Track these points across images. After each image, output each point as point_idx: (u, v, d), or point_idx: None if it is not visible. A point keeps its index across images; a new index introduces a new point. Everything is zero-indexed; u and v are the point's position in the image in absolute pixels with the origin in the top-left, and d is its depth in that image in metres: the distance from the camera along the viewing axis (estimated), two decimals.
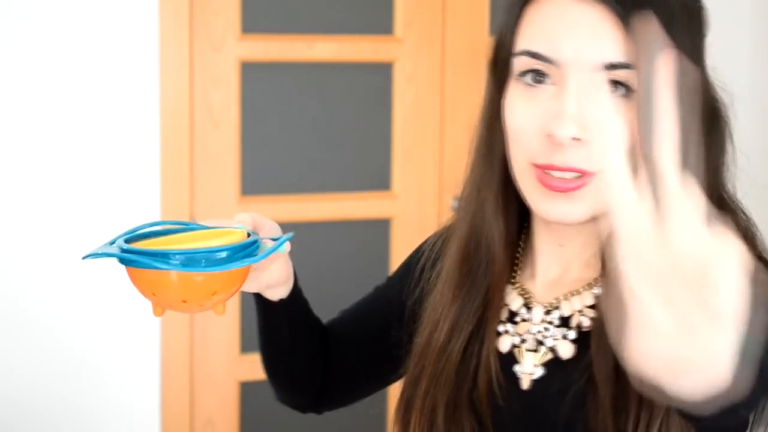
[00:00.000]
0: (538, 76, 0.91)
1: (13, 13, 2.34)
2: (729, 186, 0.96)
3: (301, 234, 2.63)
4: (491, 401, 0.97)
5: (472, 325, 1.00)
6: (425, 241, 1.17)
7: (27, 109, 2.37)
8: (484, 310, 1.01)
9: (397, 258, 2.71)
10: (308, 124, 2.66)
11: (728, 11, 2.75)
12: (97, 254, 0.89)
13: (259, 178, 2.62)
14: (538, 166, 0.91)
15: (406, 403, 1.04)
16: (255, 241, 0.93)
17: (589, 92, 0.88)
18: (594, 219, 0.92)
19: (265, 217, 1.04)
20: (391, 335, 1.12)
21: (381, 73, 2.68)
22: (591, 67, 0.88)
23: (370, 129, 2.71)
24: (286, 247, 0.97)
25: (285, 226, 1.05)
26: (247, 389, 2.65)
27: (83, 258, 0.89)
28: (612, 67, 0.87)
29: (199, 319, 2.55)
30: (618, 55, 0.87)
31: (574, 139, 0.87)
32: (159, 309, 0.92)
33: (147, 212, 2.45)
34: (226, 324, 2.58)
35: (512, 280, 1.03)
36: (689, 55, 0.89)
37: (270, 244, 0.95)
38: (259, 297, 1.10)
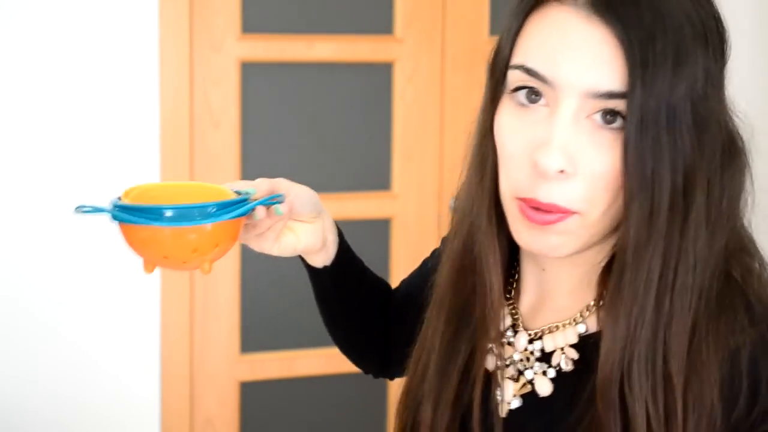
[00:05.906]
0: (533, 94, 0.86)
1: (12, 14, 2.34)
2: (745, 222, 0.91)
3: None
4: (480, 425, 0.95)
5: (470, 347, 0.97)
6: (440, 245, 1.14)
7: (27, 110, 2.37)
8: (478, 331, 0.97)
9: (397, 258, 2.71)
10: (308, 124, 2.66)
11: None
12: (89, 209, 0.93)
13: (259, 177, 2.62)
14: (522, 200, 0.87)
15: (412, 422, 1.00)
16: (244, 200, 0.95)
17: (581, 122, 0.84)
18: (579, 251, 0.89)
19: None
20: None
21: (381, 73, 2.68)
22: (587, 94, 0.83)
23: (370, 129, 2.71)
24: (282, 209, 0.97)
25: None
26: (247, 389, 2.65)
27: (76, 209, 0.92)
28: (609, 96, 0.82)
29: (199, 319, 2.55)
30: (616, 84, 0.82)
31: (560, 171, 0.83)
32: (150, 266, 0.94)
33: None
34: (226, 324, 2.58)
35: (507, 296, 0.99)
36: (702, 84, 0.83)
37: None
38: (304, 261, 1.11)
